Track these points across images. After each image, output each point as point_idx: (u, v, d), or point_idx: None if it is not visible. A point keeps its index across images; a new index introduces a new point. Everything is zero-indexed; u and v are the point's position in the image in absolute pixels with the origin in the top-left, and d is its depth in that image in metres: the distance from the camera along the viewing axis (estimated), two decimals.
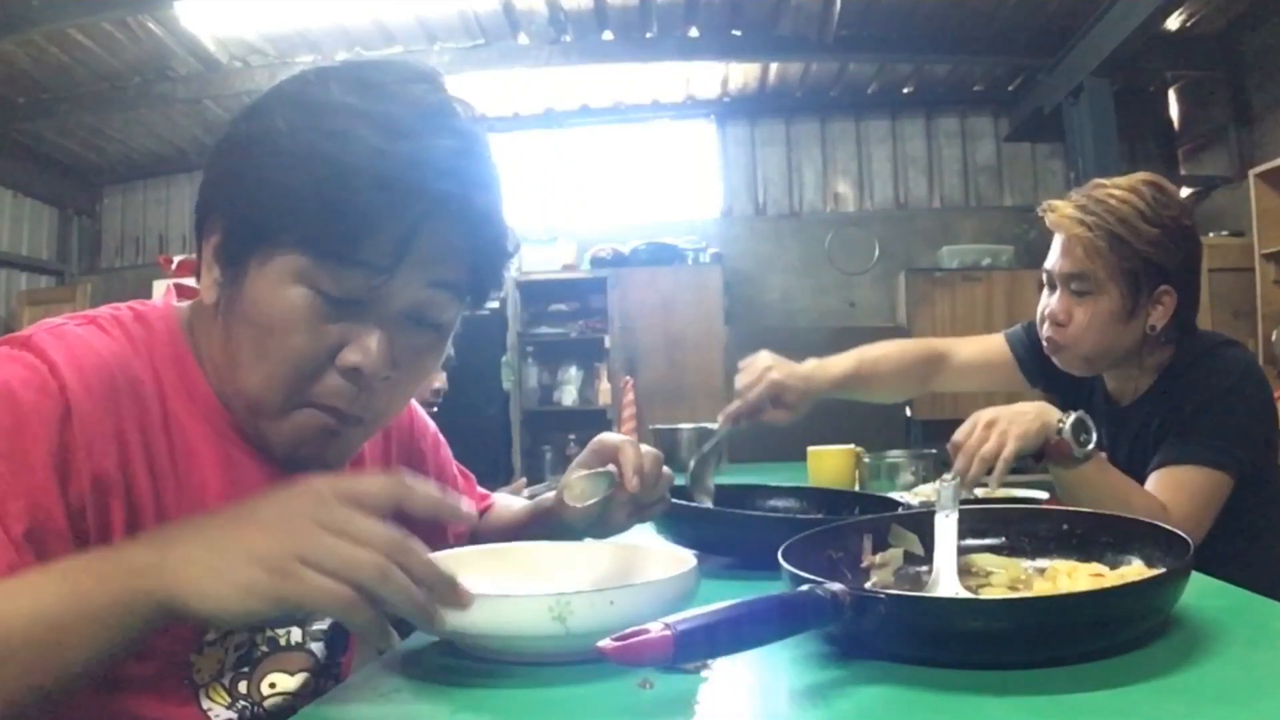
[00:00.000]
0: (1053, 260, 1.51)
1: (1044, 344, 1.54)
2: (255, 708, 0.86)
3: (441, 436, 1.14)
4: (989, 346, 1.76)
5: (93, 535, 0.72)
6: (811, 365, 1.58)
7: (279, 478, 0.84)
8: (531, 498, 1.23)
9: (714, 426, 1.48)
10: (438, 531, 1.08)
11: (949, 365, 1.76)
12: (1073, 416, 1.30)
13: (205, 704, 0.82)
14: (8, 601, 0.60)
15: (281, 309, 0.75)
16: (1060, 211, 1.47)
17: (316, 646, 0.90)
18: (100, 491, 0.72)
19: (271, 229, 0.75)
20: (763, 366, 1.51)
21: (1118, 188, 1.46)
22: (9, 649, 0.59)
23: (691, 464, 1.33)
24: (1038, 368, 1.69)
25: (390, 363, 0.78)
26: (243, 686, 0.85)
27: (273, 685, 0.87)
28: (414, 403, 1.10)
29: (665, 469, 1.00)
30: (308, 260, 0.75)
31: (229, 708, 0.84)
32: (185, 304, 0.87)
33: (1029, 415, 1.31)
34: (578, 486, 0.95)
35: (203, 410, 0.81)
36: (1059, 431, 1.30)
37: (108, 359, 0.75)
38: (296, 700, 0.88)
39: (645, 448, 0.98)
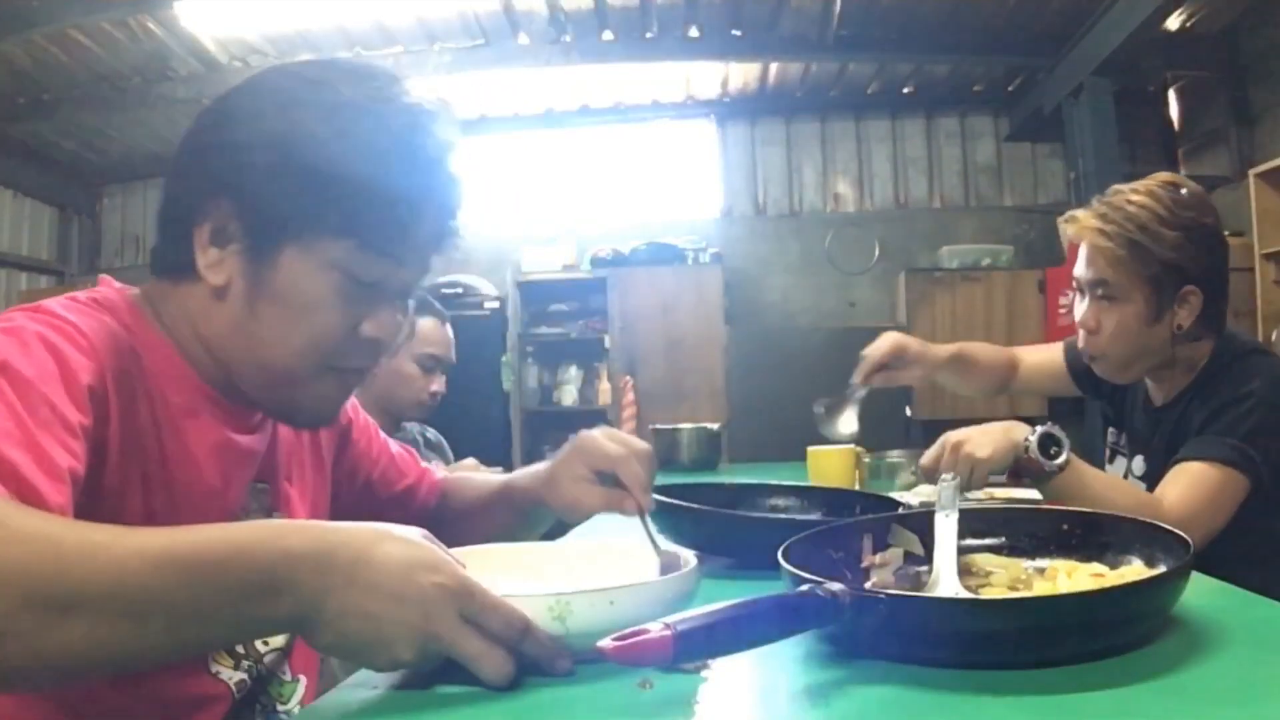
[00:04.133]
0: (1079, 269, 1.53)
1: (1082, 353, 1.58)
2: (258, 665, 0.91)
3: (363, 416, 1.20)
4: (1050, 355, 1.86)
5: (107, 493, 0.76)
6: (926, 344, 1.79)
7: (257, 441, 0.93)
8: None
9: (714, 427, 1.50)
10: (400, 508, 1.15)
11: (1021, 370, 1.88)
12: (1039, 431, 1.33)
13: (214, 668, 0.88)
14: (171, 583, 0.61)
15: (318, 291, 0.83)
16: (1081, 221, 1.49)
17: None
18: (125, 452, 0.78)
19: (320, 219, 0.82)
20: (885, 334, 1.71)
21: (1136, 193, 1.47)
22: (149, 622, 0.60)
23: (822, 408, 1.43)
24: (1085, 375, 1.72)
25: (399, 331, 0.89)
26: (240, 647, 0.90)
27: (265, 642, 0.93)
28: None
29: (644, 449, 1.02)
30: (352, 250, 0.83)
31: (236, 668, 0.89)
32: (138, 288, 0.91)
33: (994, 434, 1.35)
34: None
35: (178, 378, 0.86)
36: (1026, 449, 1.33)
37: (115, 332, 0.80)
38: (281, 654, 0.95)
39: (640, 450, 1.00)
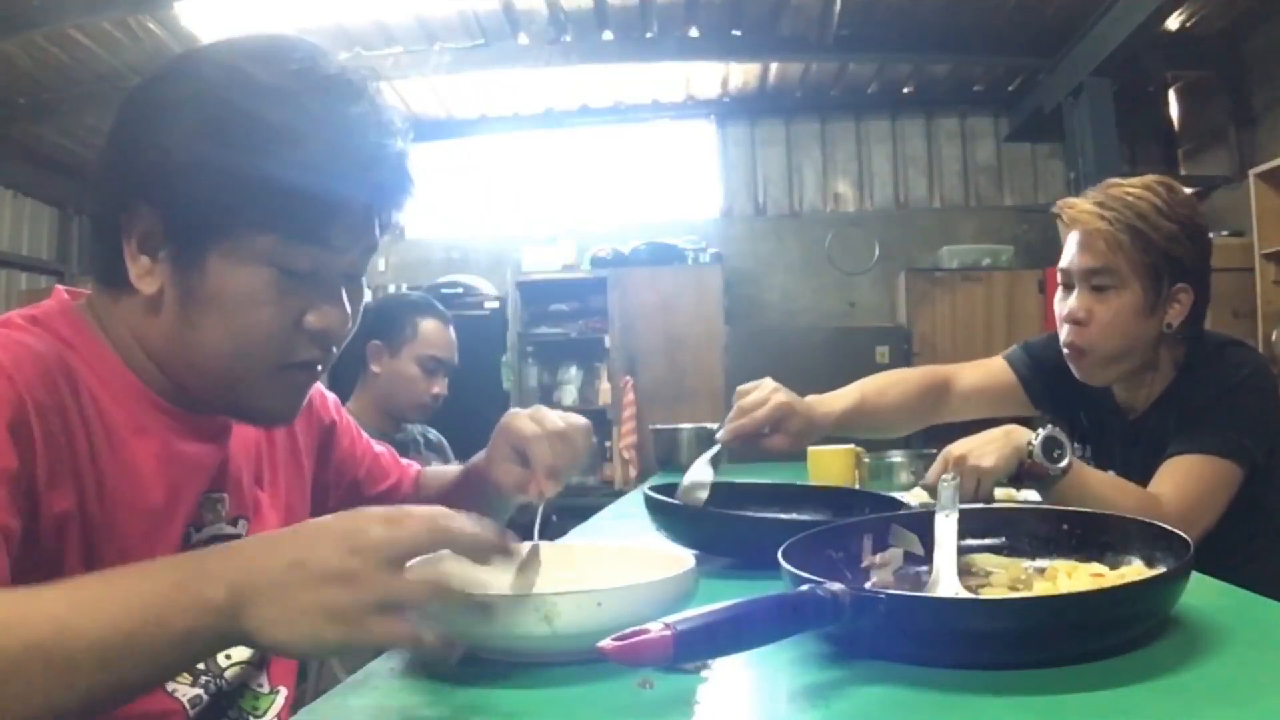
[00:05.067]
0: (1069, 259, 1.49)
1: (1064, 350, 1.52)
2: (218, 680, 0.88)
3: (347, 417, 1.18)
4: (991, 371, 1.73)
5: (45, 525, 0.73)
6: (814, 399, 1.55)
7: (210, 451, 0.89)
8: None
9: (714, 427, 1.47)
10: (353, 496, 1.13)
11: (954, 393, 1.73)
12: (1042, 435, 1.29)
13: (170, 686, 0.84)
14: (80, 615, 0.61)
15: (252, 289, 0.80)
16: (1078, 208, 1.47)
17: None
18: (54, 482, 0.74)
19: (240, 215, 0.78)
20: (770, 389, 1.44)
21: (1132, 186, 1.46)
22: (77, 661, 0.60)
23: (687, 475, 1.31)
24: (1043, 388, 1.67)
25: (347, 319, 0.86)
26: (201, 663, 0.87)
27: (229, 656, 0.90)
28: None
29: (579, 439, 0.97)
30: (277, 242, 0.79)
31: (193, 685, 0.86)
32: (80, 300, 0.87)
33: (997, 442, 1.31)
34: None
35: (123, 390, 0.83)
36: (1030, 454, 1.29)
37: (42, 354, 0.76)
38: (252, 667, 0.92)
39: (554, 430, 0.96)
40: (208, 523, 0.89)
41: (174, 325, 0.82)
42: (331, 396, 1.15)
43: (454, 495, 1.15)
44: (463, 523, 0.68)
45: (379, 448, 1.21)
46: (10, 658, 0.58)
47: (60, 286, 0.88)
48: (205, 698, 0.87)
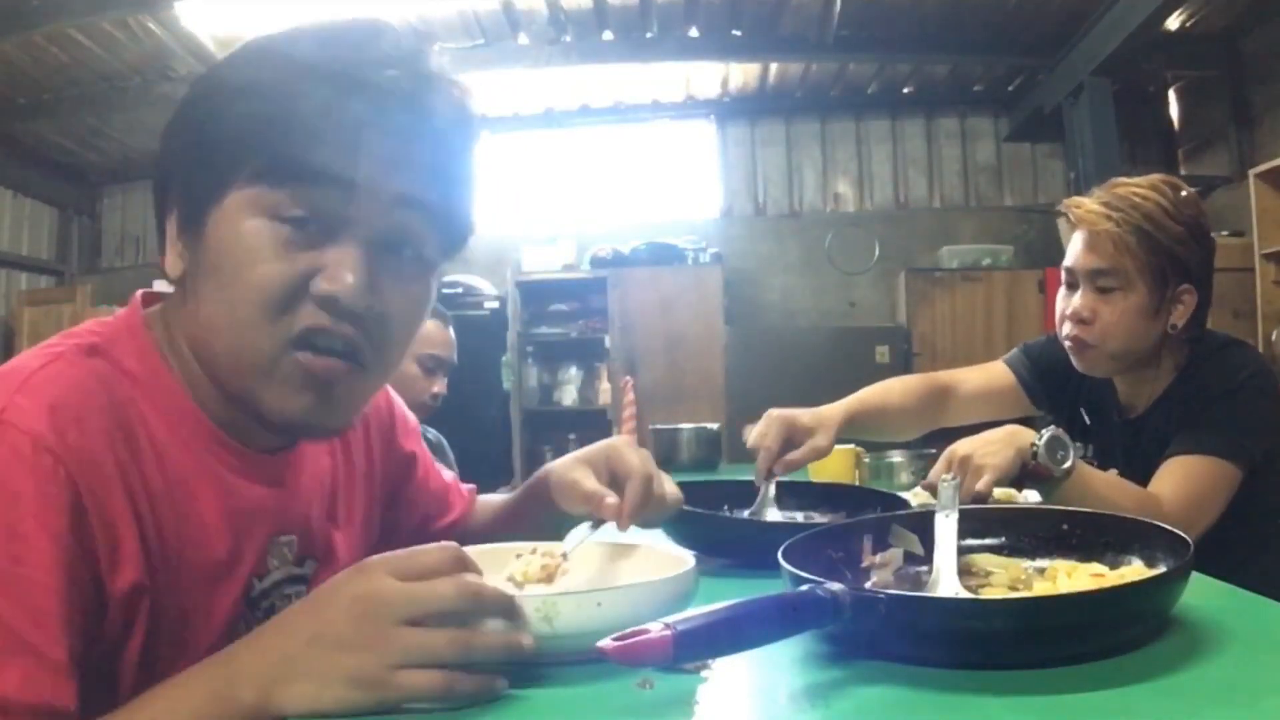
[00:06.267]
0: (1075, 258, 1.49)
1: (1066, 343, 1.53)
2: None
3: (425, 447, 1.12)
4: (992, 374, 1.75)
5: (114, 604, 0.70)
6: (817, 409, 1.55)
7: (273, 495, 0.84)
8: None
9: (714, 427, 1.47)
10: (422, 530, 1.08)
11: (956, 397, 1.74)
12: (1045, 436, 1.28)
13: None
14: None
15: (244, 244, 0.72)
16: (1086, 207, 1.47)
17: None
18: (117, 560, 0.70)
19: (221, 170, 0.73)
20: (764, 416, 1.44)
21: (1139, 186, 1.46)
22: None
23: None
24: (1042, 390, 1.68)
25: (369, 288, 0.73)
26: None
27: None
28: (400, 401, 1.09)
29: (670, 492, 0.94)
30: (262, 187, 0.72)
31: None
32: (152, 310, 0.82)
33: (1001, 442, 1.30)
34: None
35: (188, 429, 0.78)
36: (1034, 455, 1.28)
37: (90, 393, 0.71)
38: None
39: (660, 484, 0.92)
40: (272, 569, 0.85)
41: (192, 308, 0.76)
42: (413, 422, 1.10)
43: (513, 521, 1.09)
44: (494, 594, 0.68)
45: (448, 475, 1.15)
46: None
47: (141, 291, 0.83)
48: None
